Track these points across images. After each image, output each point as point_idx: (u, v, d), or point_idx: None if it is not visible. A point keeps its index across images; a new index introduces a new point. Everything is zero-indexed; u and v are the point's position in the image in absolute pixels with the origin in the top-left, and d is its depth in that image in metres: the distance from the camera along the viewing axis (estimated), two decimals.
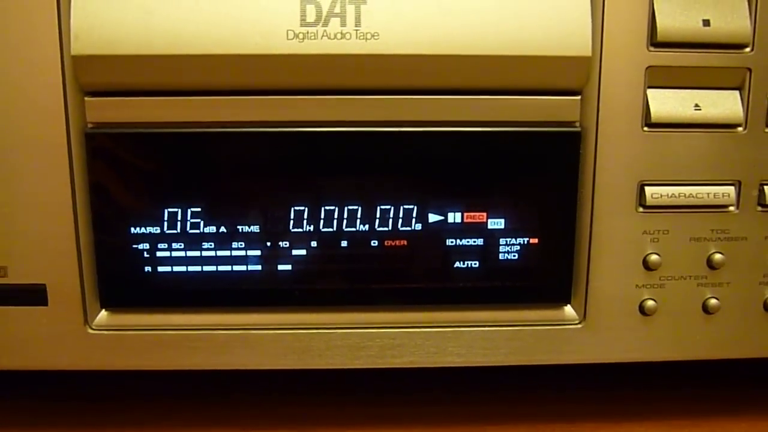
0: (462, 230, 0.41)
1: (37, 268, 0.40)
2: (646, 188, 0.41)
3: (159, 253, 0.41)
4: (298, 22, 0.37)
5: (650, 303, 0.42)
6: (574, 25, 0.38)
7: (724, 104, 0.40)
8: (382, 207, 0.41)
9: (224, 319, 0.42)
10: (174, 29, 0.37)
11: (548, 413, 0.47)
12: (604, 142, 0.40)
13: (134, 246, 0.40)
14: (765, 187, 0.41)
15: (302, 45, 0.37)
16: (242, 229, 0.41)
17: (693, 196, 0.41)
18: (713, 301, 0.42)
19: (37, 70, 0.38)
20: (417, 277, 0.42)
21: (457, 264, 0.42)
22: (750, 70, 0.40)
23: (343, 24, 0.37)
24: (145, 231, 0.40)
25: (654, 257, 0.42)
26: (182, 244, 0.41)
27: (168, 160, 0.40)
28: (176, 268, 0.41)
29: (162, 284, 0.41)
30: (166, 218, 0.40)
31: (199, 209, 0.40)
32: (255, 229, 0.41)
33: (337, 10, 0.37)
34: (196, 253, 0.41)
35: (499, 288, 0.42)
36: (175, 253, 0.41)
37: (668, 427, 0.45)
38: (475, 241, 0.41)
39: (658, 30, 0.39)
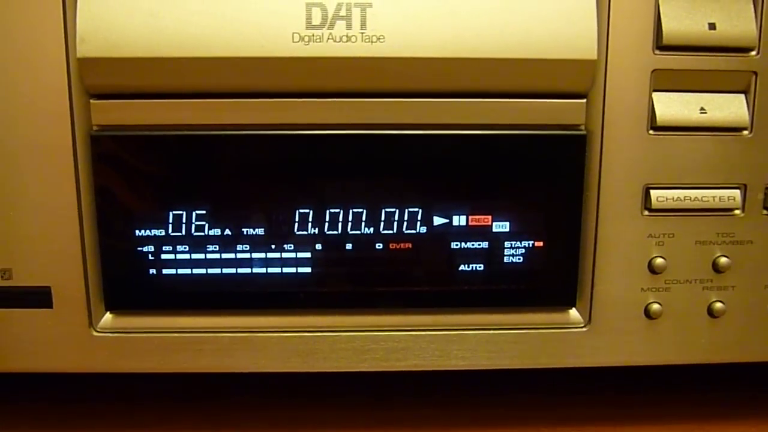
0: (467, 233, 0.41)
1: (42, 270, 0.40)
2: (652, 191, 0.41)
3: (164, 256, 0.41)
4: (304, 25, 0.37)
5: (655, 306, 0.42)
6: (579, 29, 0.38)
7: (730, 107, 0.40)
8: (387, 210, 0.41)
9: (229, 321, 0.42)
10: (180, 32, 0.37)
11: (551, 416, 0.47)
12: (610, 146, 0.40)
13: (139, 248, 0.40)
14: None
15: (308, 48, 0.37)
16: (247, 231, 0.41)
17: (698, 200, 0.41)
18: (718, 305, 0.42)
19: (43, 72, 0.38)
20: (422, 280, 0.42)
21: (462, 267, 0.42)
22: (756, 73, 0.40)
23: (349, 27, 0.38)
24: (149, 233, 0.40)
25: (659, 260, 0.41)
26: (187, 247, 0.41)
27: (173, 163, 0.40)
28: (181, 271, 0.41)
29: (167, 287, 0.41)
30: (170, 221, 0.40)
31: (203, 212, 0.40)
32: (260, 231, 0.41)
33: (342, 13, 0.37)
34: (201, 256, 0.41)
35: (503, 291, 0.42)
36: (179, 256, 0.41)
37: (673, 431, 0.45)
38: (480, 244, 0.41)
39: (664, 33, 0.39)
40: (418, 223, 0.41)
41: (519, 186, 0.41)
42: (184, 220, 0.40)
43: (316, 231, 0.41)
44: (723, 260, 0.42)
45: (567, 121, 0.40)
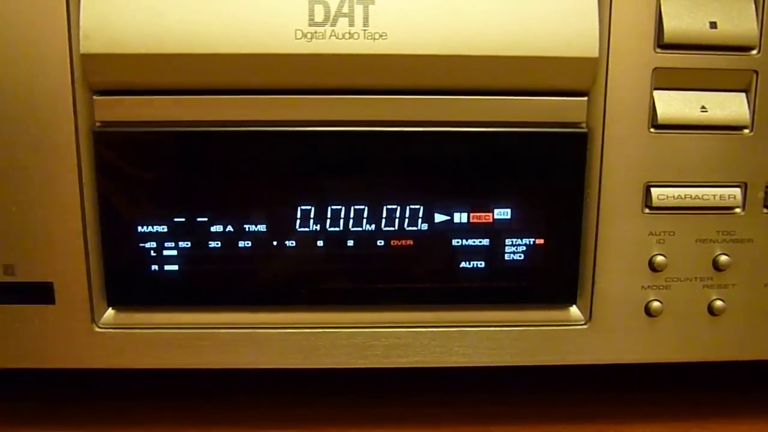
0: (468, 230, 0.41)
1: (45, 266, 0.40)
2: (652, 189, 0.41)
3: (165, 252, 0.41)
4: (307, 22, 0.38)
5: (656, 304, 0.42)
6: (581, 27, 0.38)
7: (731, 106, 0.41)
8: (389, 207, 0.41)
9: (231, 318, 0.42)
10: (183, 29, 0.37)
11: (552, 414, 0.47)
12: (611, 143, 0.40)
13: (141, 244, 0.41)
14: None
15: (310, 44, 0.38)
16: (249, 228, 0.41)
17: (699, 198, 0.41)
18: (719, 303, 0.42)
19: (46, 69, 0.38)
20: (423, 277, 0.42)
21: (463, 264, 0.42)
22: (756, 72, 0.40)
23: (351, 24, 0.38)
24: (151, 230, 0.40)
25: (660, 258, 0.42)
26: (189, 243, 0.41)
27: (175, 159, 0.40)
28: (182, 267, 0.41)
29: (168, 283, 0.41)
30: (172, 217, 0.40)
31: (205, 208, 0.40)
32: (261, 228, 0.41)
33: (345, 10, 0.38)
34: (203, 252, 0.41)
35: (504, 288, 0.42)
36: (181, 252, 0.41)
37: (672, 428, 0.45)
38: (481, 242, 0.42)
39: (665, 32, 0.39)
40: (420, 220, 0.41)
41: (520, 183, 0.41)
42: (185, 217, 0.40)
43: (318, 228, 0.41)
44: (723, 258, 0.42)
45: (568, 119, 0.40)
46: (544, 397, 0.49)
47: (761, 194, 0.42)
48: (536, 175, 0.41)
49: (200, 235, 0.41)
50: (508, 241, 0.42)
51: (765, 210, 0.42)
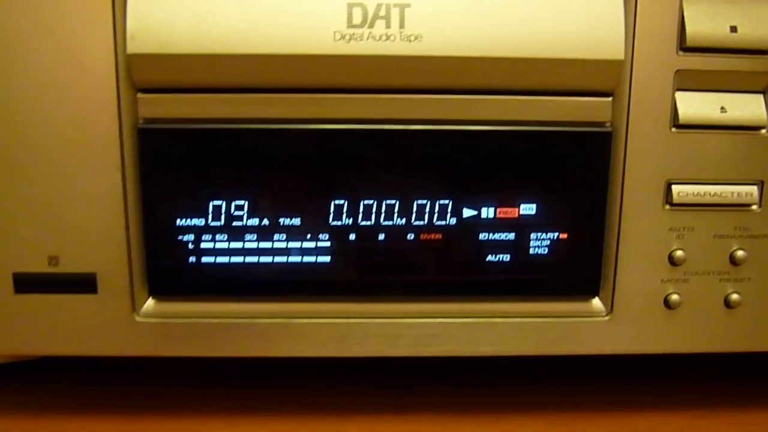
0: (495, 225, 0.43)
1: (88, 257, 0.42)
2: (673, 187, 0.42)
3: (203, 245, 0.42)
4: (345, 24, 0.39)
5: (674, 297, 0.44)
6: (608, 30, 0.40)
7: (749, 107, 0.42)
8: (419, 202, 0.42)
9: (266, 308, 0.43)
10: (225, 30, 0.39)
11: (568, 403, 0.48)
12: (634, 142, 0.42)
13: (181, 237, 0.42)
14: None
15: (348, 46, 0.39)
16: (284, 221, 0.42)
17: (718, 195, 0.43)
18: (735, 296, 0.44)
19: (92, 68, 0.40)
20: (451, 270, 0.43)
21: (489, 258, 0.43)
22: None
23: (388, 26, 0.39)
24: (191, 223, 0.42)
25: (679, 253, 0.43)
26: (226, 236, 0.42)
27: (215, 155, 0.41)
28: (220, 259, 0.42)
29: (207, 274, 0.43)
30: (211, 211, 0.42)
31: (243, 202, 0.42)
32: (296, 222, 0.42)
33: (382, 12, 0.39)
34: (239, 245, 0.42)
35: (529, 281, 0.44)
36: (219, 245, 0.42)
37: (688, 417, 0.47)
38: (507, 236, 0.43)
39: (688, 36, 0.40)
40: (448, 215, 0.43)
41: (546, 180, 0.42)
42: (223, 210, 0.42)
43: (350, 222, 0.42)
44: (740, 253, 0.43)
45: (594, 119, 0.41)
46: (560, 386, 0.51)
47: None
48: (561, 172, 0.42)
49: (237, 228, 0.42)
50: (533, 236, 0.43)
51: None
